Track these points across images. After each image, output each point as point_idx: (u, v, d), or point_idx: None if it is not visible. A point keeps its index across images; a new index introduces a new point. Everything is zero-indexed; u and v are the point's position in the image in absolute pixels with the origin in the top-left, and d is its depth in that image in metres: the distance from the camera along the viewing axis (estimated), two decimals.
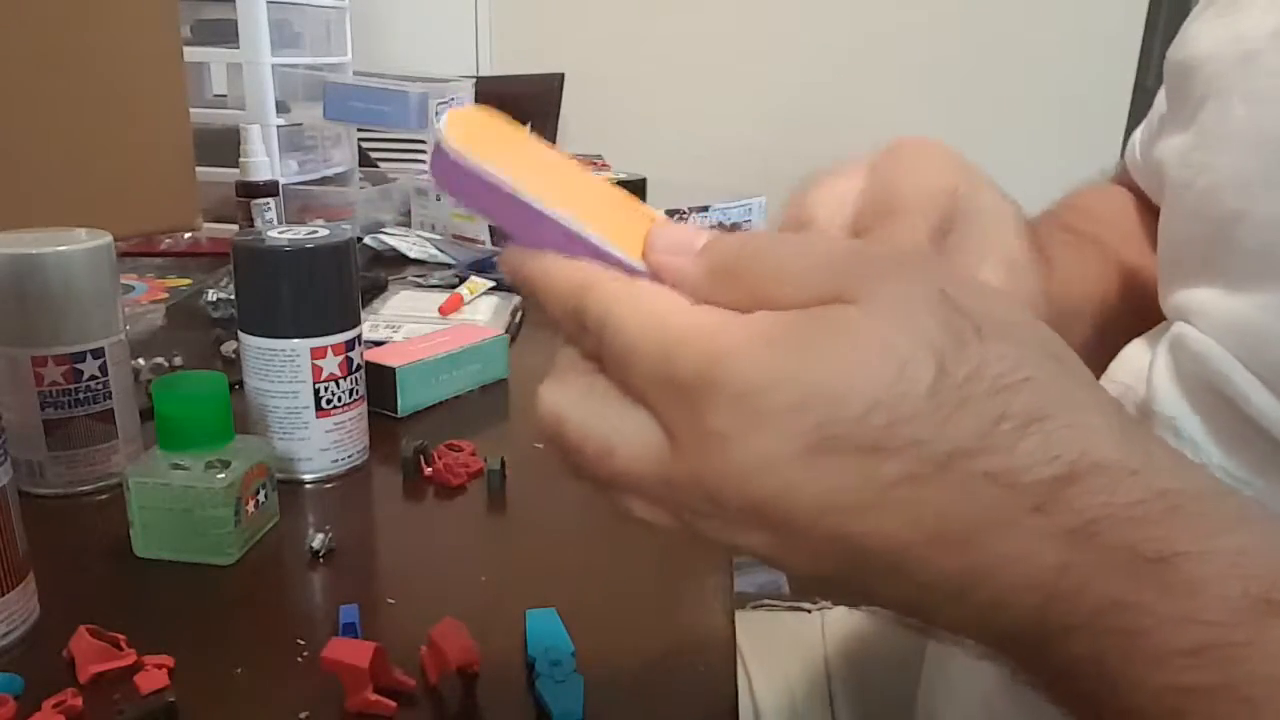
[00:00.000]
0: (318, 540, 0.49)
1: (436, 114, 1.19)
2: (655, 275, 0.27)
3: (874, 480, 0.23)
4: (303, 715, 0.38)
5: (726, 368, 0.23)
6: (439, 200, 1.19)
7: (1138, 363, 0.44)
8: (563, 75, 2.03)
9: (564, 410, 0.27)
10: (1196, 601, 0.22)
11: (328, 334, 0.56)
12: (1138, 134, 0.55)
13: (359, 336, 0.59)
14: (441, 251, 1.09)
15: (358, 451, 0.60)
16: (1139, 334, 0.46)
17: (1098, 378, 0.44)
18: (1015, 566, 0.23)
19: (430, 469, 0.58)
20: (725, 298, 0.26)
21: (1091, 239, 0.53)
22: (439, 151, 0.27)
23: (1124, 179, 0.57)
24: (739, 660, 0.47)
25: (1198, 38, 0.44)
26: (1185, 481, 0.24)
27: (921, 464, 0.23)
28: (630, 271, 0.27)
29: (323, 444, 0.57)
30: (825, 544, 0.24)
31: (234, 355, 0.75)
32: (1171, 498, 0.23)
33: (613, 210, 0.29)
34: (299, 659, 0.41)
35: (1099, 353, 0.47)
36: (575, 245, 0.27)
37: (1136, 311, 0.47)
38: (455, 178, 0.27)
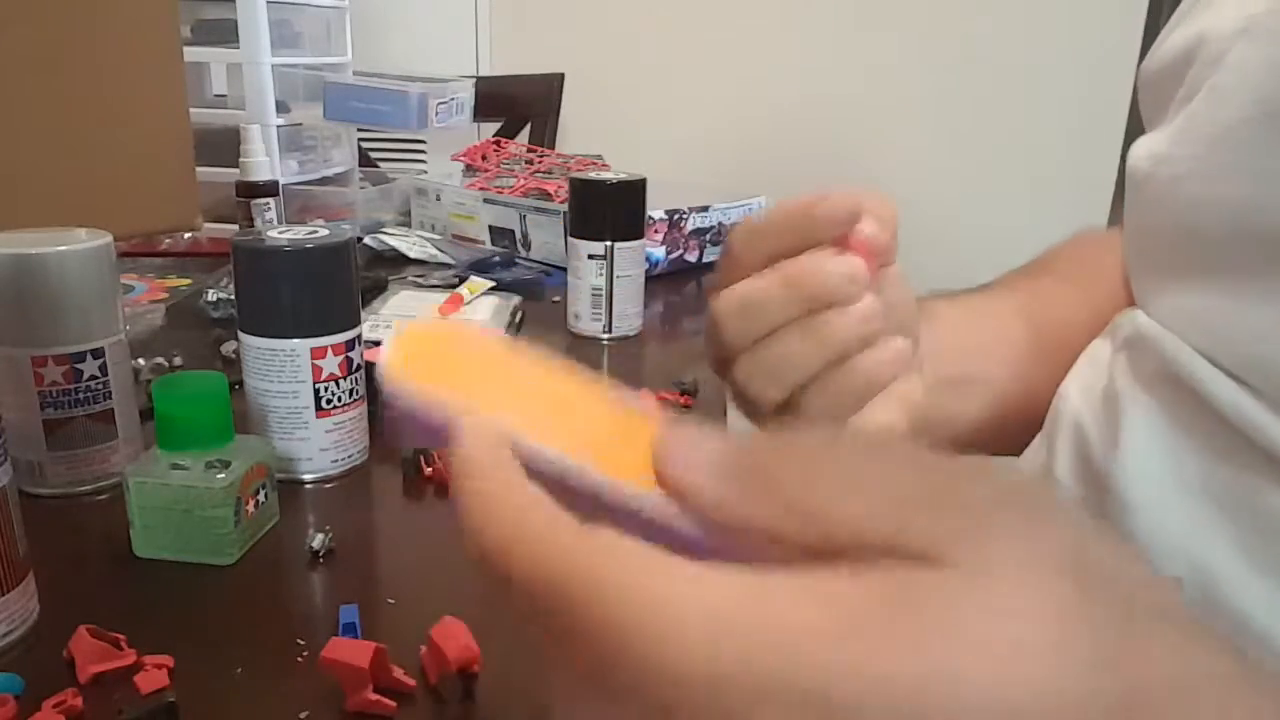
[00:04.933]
0: (318, 540, 0.49)
1: (436, 114, 1.19)
2: (673, 494, 0.21)
3: None
4: (303, 715, 0.38)
5: (813, 681, 0.17)
6: (439, 200, 1.19)
7: (1100, 355, 0.45)
8: (563, 75, 2.03)
9: None
10: None
11: (328, 334, 0.56)
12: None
13: (359, 336, 0.59)
14: (441, 251, 1.09)
15: (358, 451, 0.60)
16: None
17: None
18: None
19: (430, 469, 0.58)
20: (754, 512, 0.20)
21: (1064, 277, 0.57)
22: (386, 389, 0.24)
23: None
24: None
25: (1167, 48, 0.46)
26: None
27: None
28: (631, 507, 0.22)
29: (323, 444, 0.57)
30: None
31: (234, 355, 0.75)
32: None
33: (600, 424, 0.24)
34: (299, 659, 0.41)
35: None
36: (568, 488, 0.22)
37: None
38: (405, 420, 0.23)
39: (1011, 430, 0.53)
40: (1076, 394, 0.46)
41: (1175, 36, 0.45)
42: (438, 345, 0.25)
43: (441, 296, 0.90)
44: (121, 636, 0.41)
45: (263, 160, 1.07)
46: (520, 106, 1.95)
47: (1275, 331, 0.36)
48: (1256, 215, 0.36)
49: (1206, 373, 0.38)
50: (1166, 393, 0.40)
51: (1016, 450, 0.51)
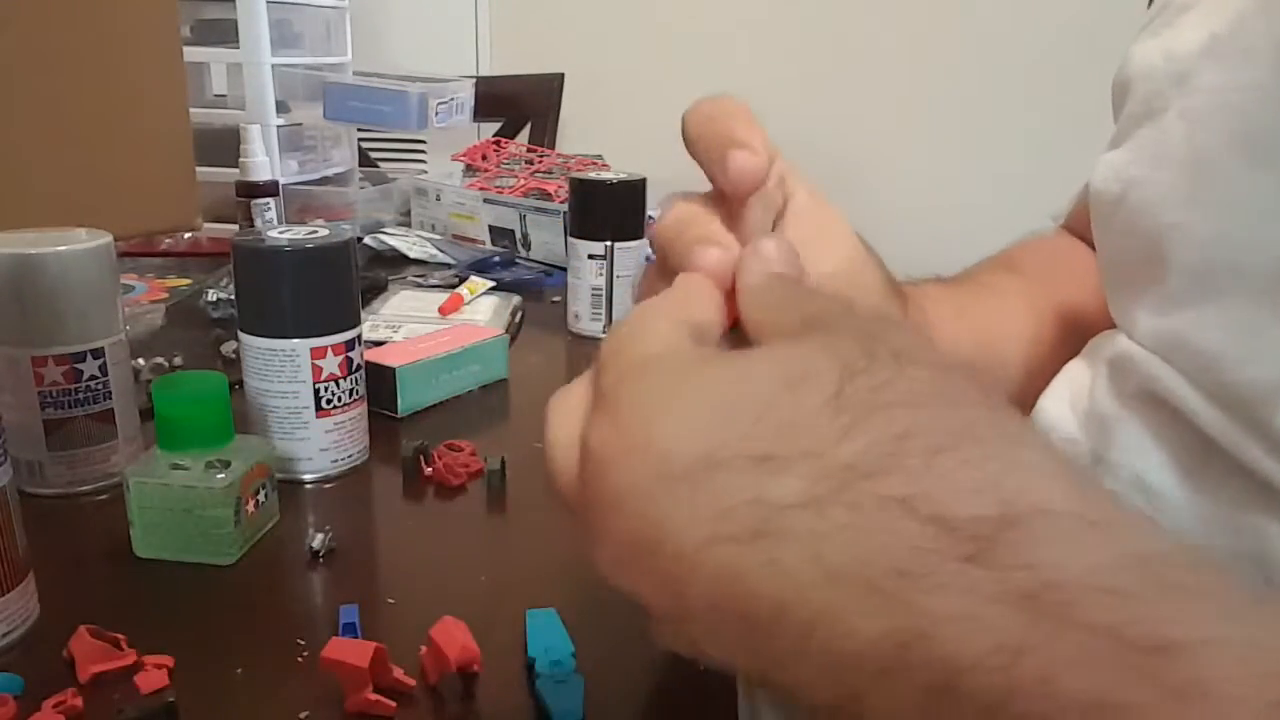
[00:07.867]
0: (318, 540, 0.49)
1: (436, 114, 1.19)
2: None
3: (766, 500, 0.19)
4: (303, 715, 0.38)
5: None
6: (439, 200, 1.19)
7: (1079, 375, 0.45)
8: (563, 75, 2.02)
9: None
10: (1210, 707, 0.16)
11: (328, 334, 0.56)
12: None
13: (359, 336, 0.59)
14: (441, 251, 1.09)
15: (358, 451, 0.60)
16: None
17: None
18: (957, 632, 0.17)
19: (430, 469, 0.58)
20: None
21: (1017, 286, 0.56)
22: None
23: (1071, 224, 0.59)
24: None
25: (1133, 58, 0.45)
26: (1163, 544, 0.18)
27: (815, 481, 0.19)
28: None
29: (323, 444, 0.57)
30: (705, 570, 0.21)
31: (234, 355, 0.75)
32: (1153, 565, 0.18)
33: None
34: (299, 659, 0.41)
35: (1031, 391, 0.50)
36: None
37: (1073, 347, 0.49)
38: None
39: None
40: (1057, 412, 0.45)
41: (1139, 51, 0.45)
42: None
43: (441, 296, 0.90)
44: (121, 636, 0.41)
45: (263, 160, 1.07)
46: (520, 106, 1.95)
47: (1242, 361, 0.35)
48: (1228, 247, 0.36)
49: (1185, 393, 0.37)
50: (1148, 412, 0.40)
51: None
